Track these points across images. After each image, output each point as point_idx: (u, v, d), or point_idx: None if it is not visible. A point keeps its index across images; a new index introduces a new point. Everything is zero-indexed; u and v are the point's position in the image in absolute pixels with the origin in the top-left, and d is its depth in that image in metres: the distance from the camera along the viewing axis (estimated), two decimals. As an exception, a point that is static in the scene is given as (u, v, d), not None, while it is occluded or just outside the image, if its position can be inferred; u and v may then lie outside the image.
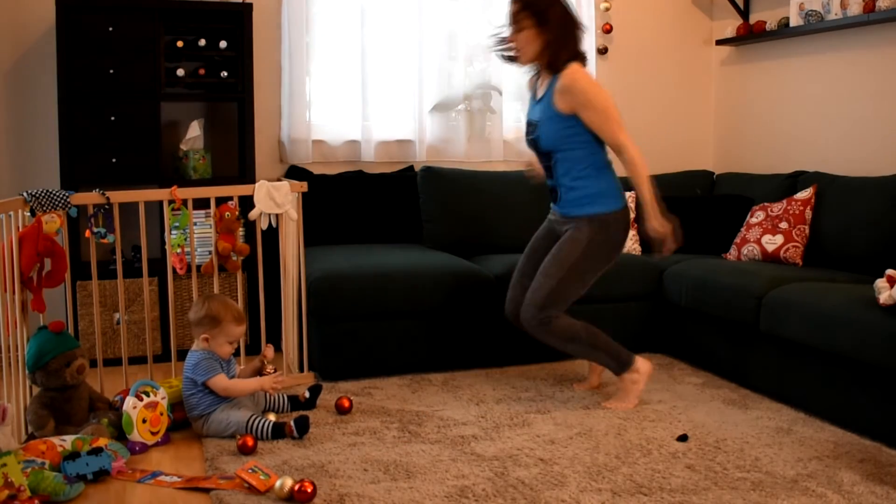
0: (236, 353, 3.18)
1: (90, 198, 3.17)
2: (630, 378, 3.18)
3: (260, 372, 3.09)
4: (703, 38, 5.06)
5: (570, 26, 3.09)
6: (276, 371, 3.09)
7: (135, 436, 2.77)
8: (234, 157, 4.20)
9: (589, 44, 4.72)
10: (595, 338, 3.16)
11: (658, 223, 3.03)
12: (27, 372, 2.83)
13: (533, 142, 3.20)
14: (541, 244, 3.31)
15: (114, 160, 3.78)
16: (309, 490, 2.32)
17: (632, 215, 3.25)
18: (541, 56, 3.11)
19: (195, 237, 3.71)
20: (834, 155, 4.20)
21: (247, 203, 3.48)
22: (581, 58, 3.13)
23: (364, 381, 3.54)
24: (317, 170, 4.36)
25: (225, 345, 2.95)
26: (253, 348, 3.82)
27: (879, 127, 3.96)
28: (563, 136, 3.09)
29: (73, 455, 2.49)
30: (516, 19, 3.09)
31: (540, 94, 3.18)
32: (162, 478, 2.54)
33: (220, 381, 2.89)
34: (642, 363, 3.21)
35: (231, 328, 2.95)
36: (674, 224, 3.03)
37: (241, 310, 3.05)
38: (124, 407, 2.78)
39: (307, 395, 3.14)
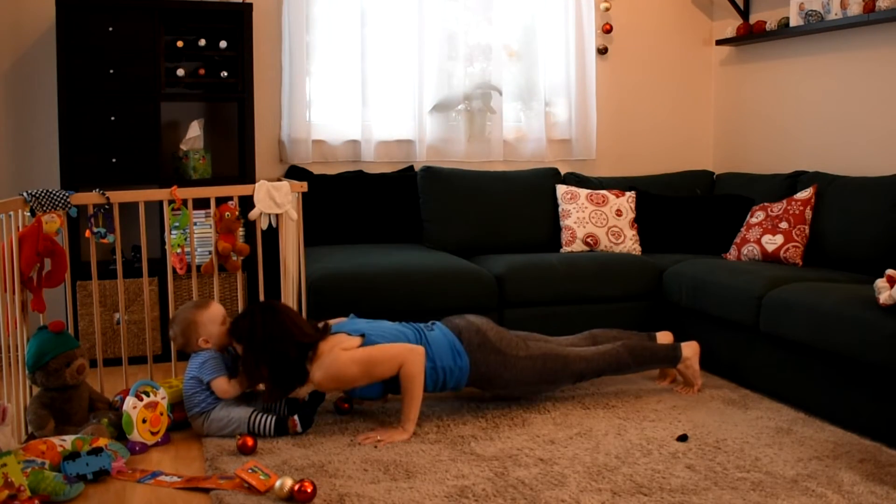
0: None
1: (90, 198, 3.17)
2: (682, 367, 3.35)
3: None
4: (703, 38, 5.06)
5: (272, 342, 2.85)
6: None
7: (135, 436, 2.77)
8: (234, 157, 4.20)
9: (589, 44, 4.72)
10: (623, 357, 3.23)
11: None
12: (27, 372, 2.83)
13: None
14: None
15: (114, 160, 3.78)
16: (309, 490, 2.32)
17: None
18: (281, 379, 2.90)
19: (195, 237, 3.71)
20: (834, 155, 4.20)
21: (247, 203, 3.48)
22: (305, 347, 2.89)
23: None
24: (317, 170, 4.36)
25: (220, 328, 2.95)
26: (253, 348, 3.82)
27: (879, 127, 3.96)
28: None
29: (73, 455, 2.49)
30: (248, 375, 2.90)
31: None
32: (162, 478, 2.54)
33: (221, 384, 2.88)
34: (687, 349, 3.34)
35: (206, 314, 2.95)
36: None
37: (199, 299, 3.08)
38: (124, 407, 2.78)
39: (306, 398, 3.11)
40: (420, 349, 2.91)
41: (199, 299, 3.10)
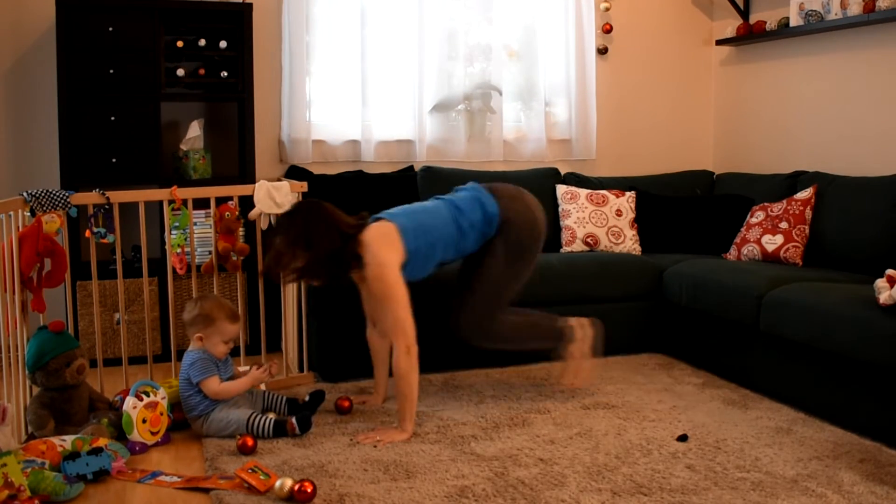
0: (236, 354, 3.18)
1: (90, 198, 3.17)
2: (576, 349, 3.30)
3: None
4: (703, 38, 5.06)
5: (326, 229, 2.94)
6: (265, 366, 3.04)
7: (135, 436, 2.77)
8: (234, 157, 4.20)
9: (589, 44, 4.72)
10: (532, 329, 3.24)
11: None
12: (27, 372, 2.83)
13: None
14: (468, 263, 3.28)
15: (114, 160, 3.78)
16: (309, 490, 2.32)
17: (520, 195, 3.23)
18: (332, 272, 2.99)
19: (195, 237, 3.71)
20: (834, 155, 4.20)
21: (247, 203, 3.48)
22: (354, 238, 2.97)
23: (364, 381, 3.54)
24: (317, 170, 4.35)
25: (220, 344, 2.94)
26: (253, 348, 3.82)
27: (879, 127, 3.96)
28: (421, 264, 3.04)
29: (73, 455, 2.49)
30: (287, 262, 2.95)
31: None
32: (162, 478, 2.54)
33: (211, 385, 2.87)
34: (578, 325, 3.32)
35: (225, 326, 2.94)
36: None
37: (235, 308, 3.04)
38: (124, 407, 2.78)
39: (307, 398, 3.11)
40: (414, 353, 2.89)
41: (234, 309, 3.02)
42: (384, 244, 2.94)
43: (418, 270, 3.04)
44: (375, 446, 2.78)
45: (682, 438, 2.82)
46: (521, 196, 3.21)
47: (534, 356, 3.78)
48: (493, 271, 3.14)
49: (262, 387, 3.14)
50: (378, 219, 3.05)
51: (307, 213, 2.97)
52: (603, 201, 4.28)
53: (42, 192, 3.01)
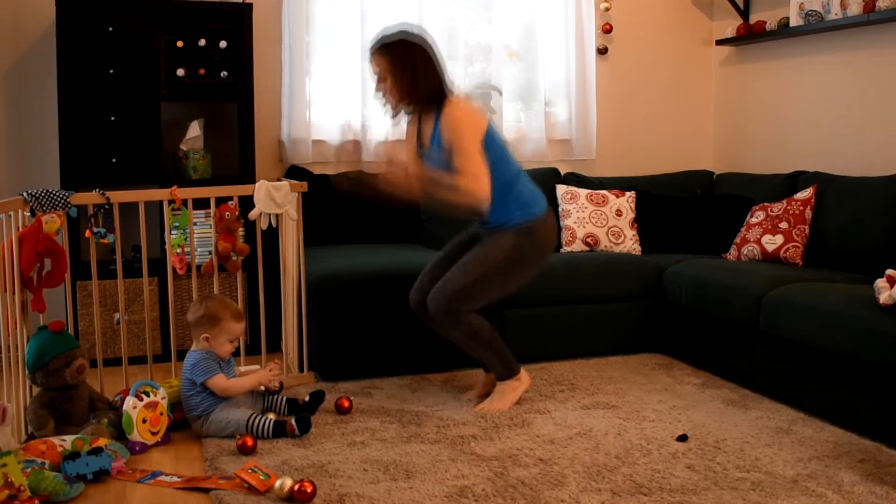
0: (236, 354, 3.18)
1: (90, 198, 3.17)
2: (511, 385, 3.20)
3: (267, 386, 3.06)
4: (703, 38, 5.06)
5: (431, 58, 3.11)
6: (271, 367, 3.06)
7: (135, 436, 2.77)
8: (234, 157, 4.20)
9: (589, 44, 4.72)
10: (495, 341, 3.16)
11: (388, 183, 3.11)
12: (27, 372, 2.83)
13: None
14: (462, 244, 3.27)
15: (114, 160, 3.78)
16: (309, 490, 2.32)
17: (556, 223, 3.22)
18: (409, 96, 3.11)
19: (195, 237, 3.71)
20: (834, 155, 4.20)
21: (247, 203, 3.48)
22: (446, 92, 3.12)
23: (364, 381, 3.54)
24: (317, 170, 4.35)
25: (226, 343, 2.95)
26: (253, 348, 3.82)
27: (879, 127, 3.96)
28: (495, 155, 3.06)
29: (73, 455, 2.49)
30: (375, 67, 3.12)
31: (427, 135, 3.14)
32: (162, 478, 2.54)
33: (219, 382, 2.88)
34: (525, 375, 3.24)
35: (231, 326, 2.94)
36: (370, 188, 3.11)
37: (239, 307, 3.05)
38: (124, 407, 2.78)
39: (307, 398, 3.11)
40: (486, 200, 3.00)
41: (239, 307, 3.04)
42: (473, 105, 3.12)
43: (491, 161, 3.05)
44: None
45: (682, 438, 2.83)
46: (555, 227, 3.20)
47: (534, 357, 3.78)
48: (489, 261, 3.07)
49: (275, 385, 3.13)
50: None
51: (427, 51, 3.12)
52: (603, 201, 4.28)
53: (42, 192, 3.01)
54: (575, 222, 4.22)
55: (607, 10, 4.82)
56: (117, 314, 3.80)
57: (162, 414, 2.85)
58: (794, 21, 4.24)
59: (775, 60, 4.57)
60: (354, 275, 3.53)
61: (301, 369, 3.61)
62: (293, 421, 2.85)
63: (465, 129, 3.00)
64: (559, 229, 3.20)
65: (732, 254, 4.03)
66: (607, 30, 4.83)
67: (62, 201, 3.05)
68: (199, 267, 3.53)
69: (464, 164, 2.98)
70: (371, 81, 3.10)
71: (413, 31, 3.14)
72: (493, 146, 3.06)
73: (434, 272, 3.25)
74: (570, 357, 3.89)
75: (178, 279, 3.83)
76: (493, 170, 3.04)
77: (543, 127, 4.71)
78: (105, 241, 3.22)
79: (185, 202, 3.33)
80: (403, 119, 3.26)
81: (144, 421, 2.79)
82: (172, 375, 3.31)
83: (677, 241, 4.28)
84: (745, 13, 4.72)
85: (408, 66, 3.06)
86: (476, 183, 2.96)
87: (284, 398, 3.10)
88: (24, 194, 2.96)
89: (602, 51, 4.84)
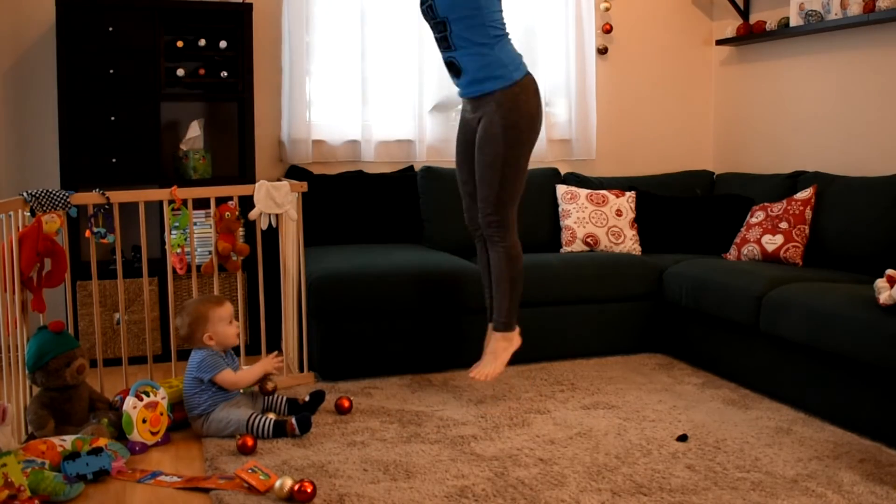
0: (236, 354, 3.18)
1: (90, 198, 3.17)
2: (504, 341, 3.21)
3: (262, 387, 3.06)
4: (703, 38, 5.06)
5: None
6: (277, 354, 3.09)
7: (135, 436, 2.77)
8: (234, 157, 4.20)
9: (589, 44, 4.72)
10: (520, 279, 3.18)
11: None
12: (27, 372, 2.83)
13: (428, 10, 3.14)
14: (466, 147, 3.27)
15: (114, 160, 3.78)
16: (309, 490, 2.32)
17: (536, 86, 3.16)
18: None
19: (195, 237, 3.71)
20: (834, 155, 4.20)
21: (247, 203, 3.48)
22: None
23: (364, 381, 3.54)
24: (317, 170, 4.36)
25: (227, 328, 2.97)
26: (253, 348, 3.82)
27: (879, 127, 3.96)
28: (459, 1, 3.03)
29: (73, 455, 2.49)
30: None
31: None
32: (162, 478, 2.54)
33: (226, 376, 2.90)
34: (517, 335, 3.26)
35: (219, 311, 2.96)
36: None
37: (214, 294, 3.08)
38: (124, 407, 2.78)
39: (307, 398, 3.11)
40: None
41: (213, 295, 3.09)
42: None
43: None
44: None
45: (682, 438, 2.83)
46: (536, 89, 3.15)
47: (533, 357, 3.78)
48: (497, 161, 3.05)
49: (269, 386, 3.13)
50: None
51: None
52: (603, 201, 4.28)
53: (42, 192, 3.01)
54: (575, 222, 4.22)
55: (607, 10, 4.82)
56: (117, 314, 3.80)
57: (162, 414, 2.85)
58: (794, 21, 4.24)
59: (775, 60, 4.57)
60: (354, 275, 3.53)
61: (301, 369, 3.61)
62: (293, 421, 2.85)
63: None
64: (538, 91, 3.16)
65: (732, 254, 4.03)
66: (607, 30, 4.83)
67: (62, 201, 3.05)
68: (199, 267, 3.53)
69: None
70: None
71: None
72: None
73: (466, 189, 3.31)
74: (570, 357, 3.89)
75: (178, 279, 3.83)
76: (488, 16, 3.01)
77: (543, 127, 4.70)
78: (105, 241, 3.22)
79: (185, 202, 3.33)
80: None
81: (144, 421, 2.79)
82: (172, 375, 3.31)
83: (677, 241, 4.28)
84: (745, 13, 4.72)
85: None
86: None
87: (284, 398, 3.10)
88: (24, 194, 2.96)
89: (602, 51, 4.84)
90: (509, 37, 3.13)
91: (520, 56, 3.14)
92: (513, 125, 3.06)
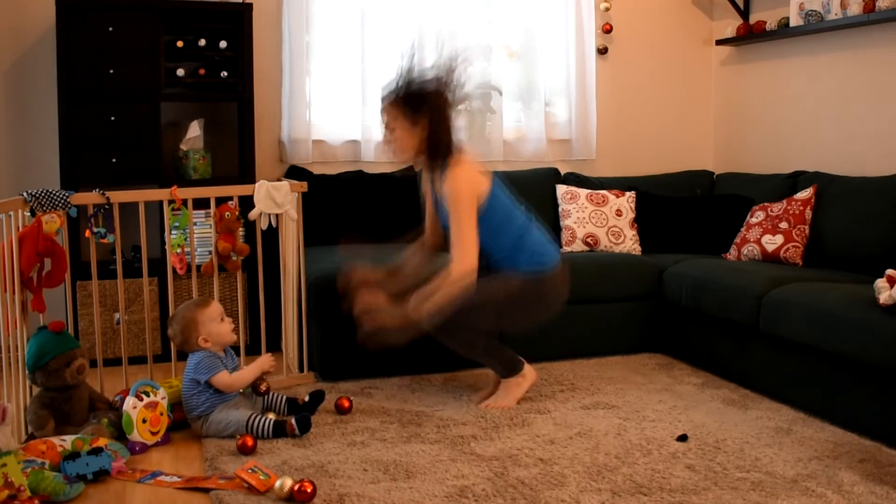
0: (237, 354, 3.18)
1: (90, 198, 3.17)
2: (515, 381, 3.22)
3: (255, 388, 3.06)
4: (703, 38, 5.06)
5: (444, 115, 3.04)
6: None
7: (135, 436, 2.77)
8: (234, 157, 4.20)
9: (589, 44, 4.72)
10: (491, 348, 3.21)
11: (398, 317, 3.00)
12: (27, 372, 2.83)
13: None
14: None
15: (114, 160, 3.78)
16: (309, 490, 2.32)
17: (567, 276, 3.23)
18: (419, 153, 3.08)
19: (195, 237, 3.71)
20: (834, 155, 4.20)
21: (247, 203, 3.48)
22: (456, 147, 3.08)
23: (364, 381, 3.54)
24: (317, 170, 4.35)
25: (220, 327, 2.96)
26: (253, 348, 3.82)
27: (879, 127, 3.96)
28: (495, 222, 3.08)
29: (73, 455, 2.49)
30: (387, 117, 3.06)
31: (438, 191, 3.13)
32: (162, 478, 2.54)
33: (222, 377, 2.89)
34: (529, 370, 3.26)
35: (207, 312, 2.96)
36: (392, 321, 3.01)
37: (199, 297, 3.09)
38: (124, 407, 2.78)
39: (307, 398, 3.11)
40: (471, 283, 2.97)
41: (199, 298, 3.10)
42: (476, 168, 3.08)
43: (488, 225, 3.03)
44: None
45: (682, 438, 2.83)
46: (565, 280, 3.22)
47: (534, 357, 3.77)
48: (490, 293, 3.06)
49: (263, 387, 3.13)
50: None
51: (442, 107, 3.04)
52: (603, 201, 4.28)
53: (42, 192, 3.01)
54: (575, 222, 4.22)
55: (607, 10, 4.82)
56: (117, 314, 3.80)
57: (162, 414, 2.85)
58: (794, 21, 4.24)
59: (775, 60, 4.57)
60: (354, 275, 3.52)
61: (301, 369, 3.61)
62: (293, 421, 2.85)
63: (461, 196, 2.99)
64: (566, 282, 3.21)
65: (732, 254, 4.03)
66: (607, 30, 4.83)
67: (62, 201, 3.05)
68: (199, 267, 3.53)
69: (455, 233, 2.99)
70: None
71: (426, 75, 3.08)
72: (497, 205, 3.07)
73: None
74: (570, 357, 3.89)
75: (178, 279, 3.82)
76: (501, 230, 3.07)
77: (543, 127, 4.71)
78: (105, 241, 3.22)
79: (185, 202, 3.33)
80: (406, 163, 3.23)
81: (144, 421, 2.79)
82: (172, 375, 3.31)
83: (677, 241, 4.28)
84: (745, 13, 4.72)
85: (419, 122, 3.02)
86: (465, 256, 2.97)
87: (284, 398, 3.10)
88: (24, 194, 2.96)
89: (602, 51, 4.84)
90: (535, 224, 3.18)
91: (549, 245, 3.20)
92: (525, 290, 3.11)
